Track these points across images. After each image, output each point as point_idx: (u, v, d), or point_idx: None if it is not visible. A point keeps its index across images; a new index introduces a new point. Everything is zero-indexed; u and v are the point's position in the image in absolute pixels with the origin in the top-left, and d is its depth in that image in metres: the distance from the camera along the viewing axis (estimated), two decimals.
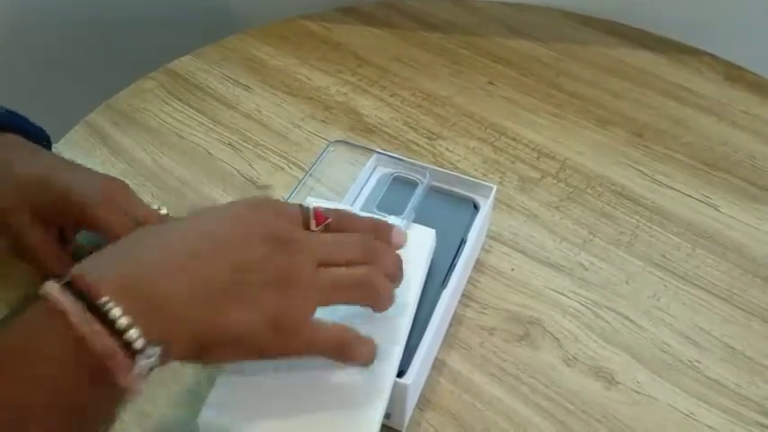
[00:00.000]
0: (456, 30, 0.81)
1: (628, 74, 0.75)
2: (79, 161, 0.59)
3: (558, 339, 0.51)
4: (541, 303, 0.53)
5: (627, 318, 0.53)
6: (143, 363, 0.30)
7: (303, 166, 0.63)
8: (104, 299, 0.30)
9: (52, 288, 0.30)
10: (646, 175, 0.64)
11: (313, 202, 0.51)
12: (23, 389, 0.28)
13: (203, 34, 0.78)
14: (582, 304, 0.53)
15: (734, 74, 0.76)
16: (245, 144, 0.65)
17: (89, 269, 0.31)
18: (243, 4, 0.94)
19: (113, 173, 0.61)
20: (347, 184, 0.56)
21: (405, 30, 0.80)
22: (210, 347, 0.34)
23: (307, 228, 0.40)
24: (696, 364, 0.50)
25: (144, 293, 0.31)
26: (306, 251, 0.37)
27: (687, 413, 0.47)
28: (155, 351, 0.30)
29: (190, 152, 0.64)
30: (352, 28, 0.80)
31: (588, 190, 0.62)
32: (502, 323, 0.52)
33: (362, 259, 0.39)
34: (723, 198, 0.62)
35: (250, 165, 0.63)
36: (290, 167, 0.63)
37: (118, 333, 0.29)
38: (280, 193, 0.61)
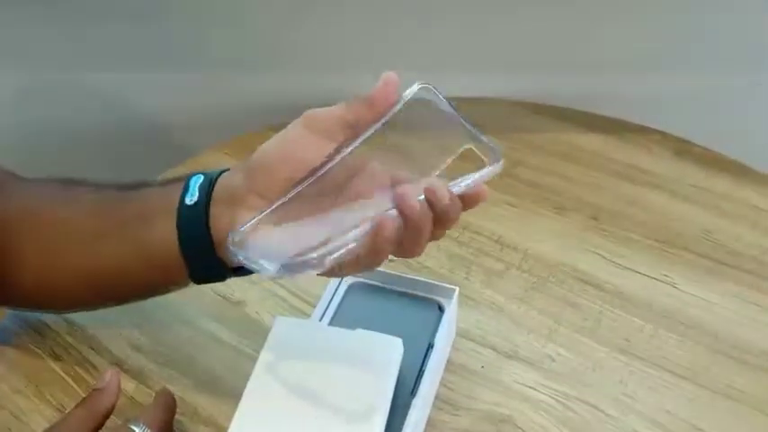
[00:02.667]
0: None
1: (581, 158, 0.79)
2: None
3: None
4: (512, 399, 0.55)
5: (595, 407, 0.54)
6: None
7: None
8: None
9: None
10: (605, 258, 0.66)
11: (283, 320, 0.53)
12: None
13: (174, 150, 0.82)
14: (551, 397, 0.55)
15: (682, 148, 0.79)
16: None
17: None
18: (210, 122, 0.98)
19: None
20: (319, 293, 0.57)
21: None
22: None
23: None
24: None
25: None
26: None
27: None
28: None
29: None
30: None
31: (551, 278, 0.65)
32: (475, 424, 0.53)
33: None
34: (681, 275, 0.64)
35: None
36: (261, 281, 0.65)
37: None
38: (253, 309, 0.63)
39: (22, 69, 0.89)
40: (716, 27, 0.85)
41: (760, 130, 0.92)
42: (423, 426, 0.52)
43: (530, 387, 0.56)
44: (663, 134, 0.81)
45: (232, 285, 0.65)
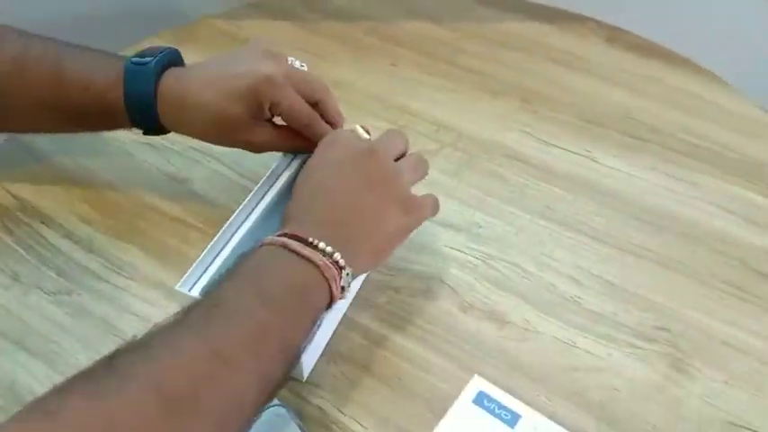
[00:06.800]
0: (359, 17, 0.86)
1: (520, 46, 0.81)
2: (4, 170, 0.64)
3: (455, 291, 0.57)
4: (441, 260, 0.59)
5: (517, 266, 0.59)
6: (344, 277, 0.45)
7: (218, 158, 0.68)
8: (316, 241, 0.45)
9: (276, 240, 0.45)
10: (533, 136, 0.70)
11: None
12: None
13: (117, 38, 0.82)
14: (477, 258, 0.59)
15: (615, 36, 0.82)
16: (162, 142, 0.69)
17: (296, 227, 0.46)
18: (155, 7, 0.97)
19: (40, 180, 0.65)
20: (261, 171, 0.60)
21: (310, 21, 0.85)
22: (378, 256, 0.50)
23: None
24: (577, 299, 0.56)
25: (334, 234, 0.46)
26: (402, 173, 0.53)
27: (569, 343, 0.54)
28: (350, 269, 0.45)
29: (111, 154, 0.68)
30: (258, 23, 0.84)
31: (482, 155, 0.68)
32: (407, 282, 0.58)
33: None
34: (603, 151, 0.69)
35: (168, 161, 0.68)
36: (206, 161, 0.68)
37: (329, 256, 0.45)
38: (200, 186, 0.66)
39: None
40: None
41: (685, 17, 0.95)
42: (359, 283, 0.57)
43: (457, 250, 0.60)
44: (597, 22, 0.84)
45: (178, 165, 0.67)
